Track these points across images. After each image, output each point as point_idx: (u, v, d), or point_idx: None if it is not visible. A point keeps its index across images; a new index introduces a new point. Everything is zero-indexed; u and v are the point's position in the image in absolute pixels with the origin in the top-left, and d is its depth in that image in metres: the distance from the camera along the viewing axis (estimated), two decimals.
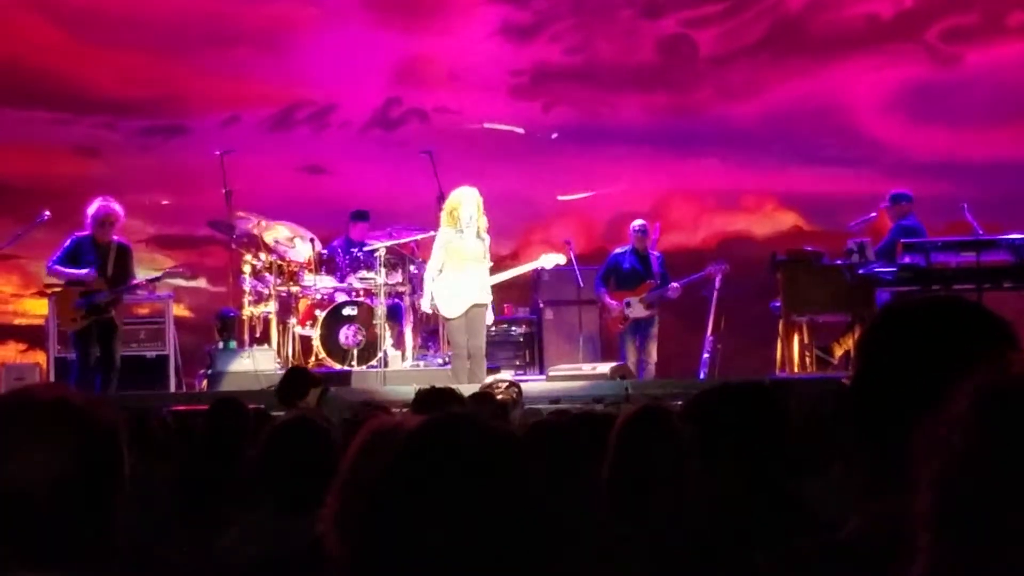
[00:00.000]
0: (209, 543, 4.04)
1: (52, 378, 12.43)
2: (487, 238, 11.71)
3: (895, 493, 1.79)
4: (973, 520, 1.27)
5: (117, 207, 11.87)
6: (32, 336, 15.04)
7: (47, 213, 12.53)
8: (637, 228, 13.75)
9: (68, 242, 11.81)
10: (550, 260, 12.12)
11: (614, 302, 13.50)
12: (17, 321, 16.15)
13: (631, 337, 13.52)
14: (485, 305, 11.66)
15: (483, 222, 11.63)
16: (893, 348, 1.92)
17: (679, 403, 9.28)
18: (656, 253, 13.81)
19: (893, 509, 1.75)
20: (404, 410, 6.84)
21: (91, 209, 11.78)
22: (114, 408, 2.37)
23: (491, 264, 11.75)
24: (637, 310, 13.43)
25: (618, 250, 13.84)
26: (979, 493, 1.27)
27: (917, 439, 1.36)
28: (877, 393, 1.90)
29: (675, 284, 13.42)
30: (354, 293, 13.03)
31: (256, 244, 12.97)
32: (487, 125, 16.93)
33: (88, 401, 2.22)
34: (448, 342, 12.35)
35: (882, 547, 1.69)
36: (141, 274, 12.33)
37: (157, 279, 12.55)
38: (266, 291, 12.88)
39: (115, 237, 11.89)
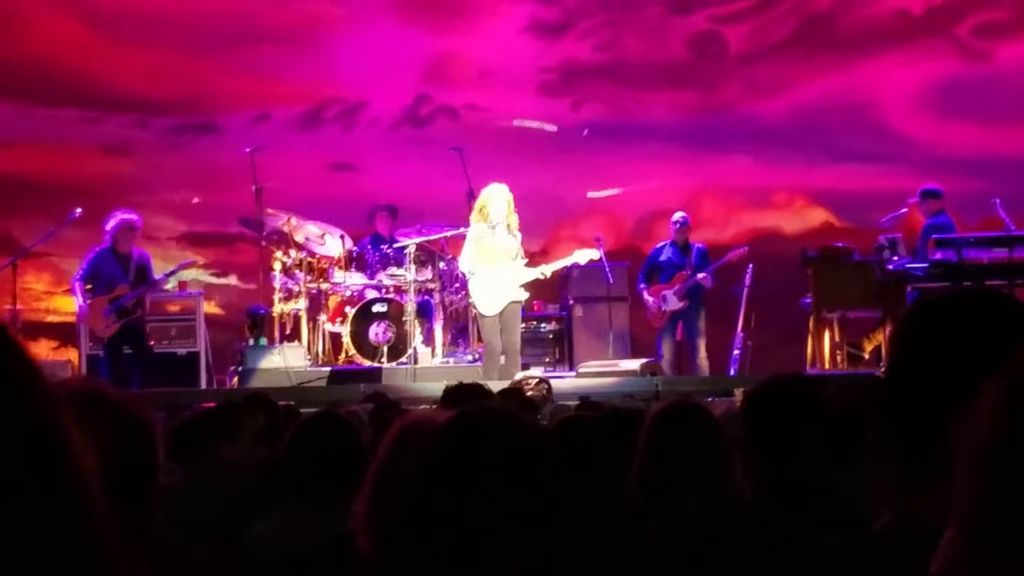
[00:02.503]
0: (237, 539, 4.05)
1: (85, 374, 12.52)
2: (519, 235, 11.70)
3: (927, 488, 1.78)
4: (1004, 511, 1.27)
5: (135, 217, 12.35)
6: (64, 333, 15.09)
7: (78, 211, 12.64)
8: (675, 220, 13.82)
9: (92, 255, 12.24)
10: (584, 255, 12.06)
11: (651, 298, 13.48)
12: (49, 318, 16.23)
13: (669, 333, 13.50)
14: (520, 302, 11.66)
15: (514, 219, 11.61)
16: (926, 342, 1.91)
17: (710, 399, 9.29)
18: (699, 245, 13.82)
19: (925, 504, 1.75)
20: (433, 406, 6.84)
21: (110, 224, 12.20)
22: (148, 404, 2.38)
23: (525, 261, 11.73)
24: (671, 303, 13.40)
25: (660, 244, 13.88)
26: (1008, 485, 1.27)
27: (954, 431, 1.36)
28: (910, 387, 1.89)
29: (701, 274, 13.37)
30: (384, 290, 13.03)
31: (286, 241, 13.00)
32: (516, 122, 16.92)
33: (123, 396, 2.23)
34: (479, 339, 12.32)
35: (914, 542, 1.68)
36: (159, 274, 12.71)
37: (171, 273, 12.86)
38: (296, 288, 12.90)
39: (134, 249, 12.32)
